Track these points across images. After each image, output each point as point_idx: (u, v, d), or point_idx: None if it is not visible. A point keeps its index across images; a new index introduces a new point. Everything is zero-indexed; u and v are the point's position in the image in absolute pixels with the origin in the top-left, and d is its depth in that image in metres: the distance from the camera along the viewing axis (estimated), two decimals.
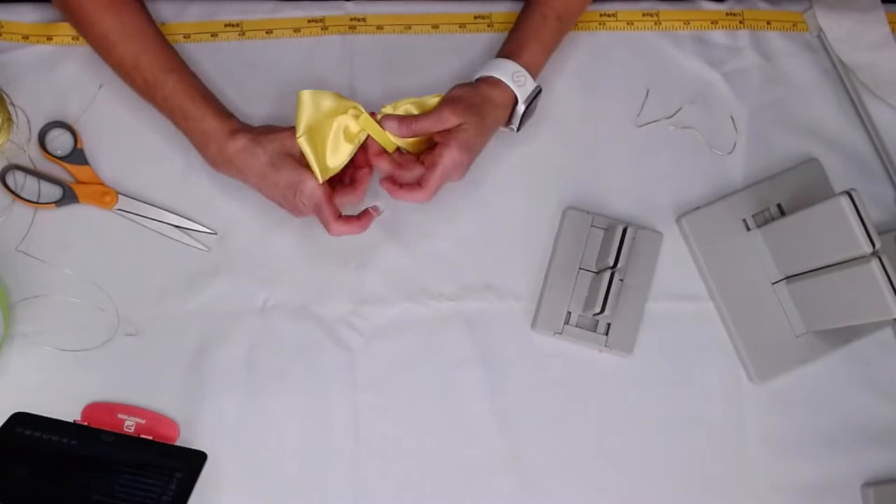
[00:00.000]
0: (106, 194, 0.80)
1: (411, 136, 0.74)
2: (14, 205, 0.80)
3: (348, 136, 0.75)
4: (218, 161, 0.75)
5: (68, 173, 0.80)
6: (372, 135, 0.75)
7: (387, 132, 0.74)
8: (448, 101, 0.74)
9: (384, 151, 0.76)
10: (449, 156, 0.73)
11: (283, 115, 0.83)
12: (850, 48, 0.89)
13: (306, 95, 0.74)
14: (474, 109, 0.74)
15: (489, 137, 0.78)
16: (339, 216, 0.74)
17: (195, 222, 0.81)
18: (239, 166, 0.74)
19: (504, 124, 0.80)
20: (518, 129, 0.80)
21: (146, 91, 0.76)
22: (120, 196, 0.80)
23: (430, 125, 0.73)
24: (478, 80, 0.78)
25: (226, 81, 0.84)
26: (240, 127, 0.75)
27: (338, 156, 0.75)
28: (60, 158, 0.80)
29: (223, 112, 0.76)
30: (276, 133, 0.74)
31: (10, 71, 0.82)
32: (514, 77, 0.76)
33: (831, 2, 0.90)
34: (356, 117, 0.75)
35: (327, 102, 0.74)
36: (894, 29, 0.89)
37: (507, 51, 0.79)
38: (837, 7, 0.90)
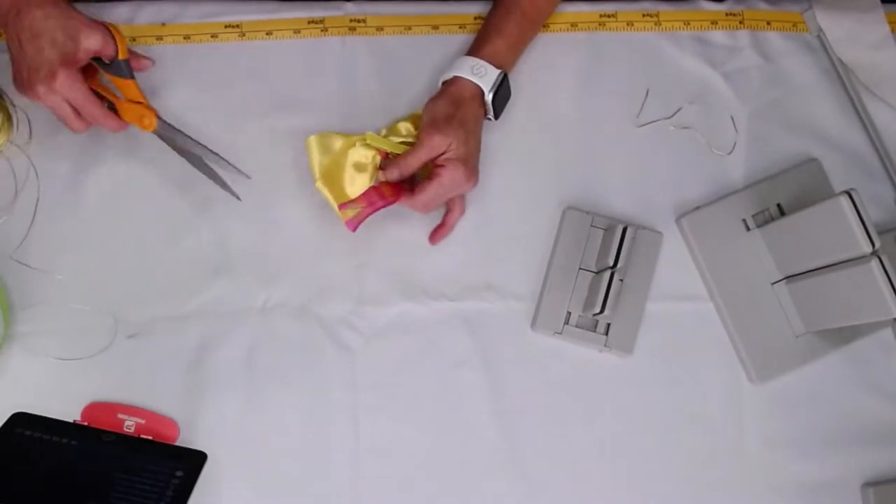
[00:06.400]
0: (145, 116, 0.75)
1: (411, 173, 0.77)
2: (14, 206, 0.79)
3: (361, 168, 0.78)
4: None
5: (111, 85, 0.75)
6: (381, 147, 0.78)
7: (392, 145, 0.78)
8: (430, 125, 0.75)
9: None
10: (447, 175, 0.75)
11: (283, 117, 0.83)
12: (850, 48, 0.89)
13: (313, 140, 0.78)
14: (455, 122, 0.75)
15: (479, 133, 0.79)
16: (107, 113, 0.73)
17: (230, 163, 0.78)
18: (26, 9, 0.69)
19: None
20: (496, 118, 0.81)
21: None
22: (160, 120, 0.76)
23: (423, 156, 0.75)
24: (444, 84, 0.79)
25: (226, 83, 0.84)
26: None
27: (356, 187, 0.78)
28: (103, 66, 0.74)
29: None
30: (75, 13, 0.71)
31: (10, 71, 0.82)
32: (473, 70, 0.78)
33: (831, 2, 0.90)
34: (365, 145, 0.78)
35: (335, 143, 0.78)
36: (894, 29, 0.89)
37: (469, 48, 0.81)
38: (837, 7, 0.90)
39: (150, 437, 0.75)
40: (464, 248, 0.83)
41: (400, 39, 0.87)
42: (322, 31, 0.86)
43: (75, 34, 0.70)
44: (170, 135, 0.77)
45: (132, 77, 0.75)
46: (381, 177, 0.78)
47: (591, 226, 0.83)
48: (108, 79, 0.75)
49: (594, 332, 0.81)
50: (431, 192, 0.75)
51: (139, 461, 0.73)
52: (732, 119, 0.88)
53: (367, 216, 0.77)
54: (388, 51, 0.87)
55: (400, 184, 0.78)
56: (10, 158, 0.80)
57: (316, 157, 0.78)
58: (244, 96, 0.83)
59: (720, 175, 0.87)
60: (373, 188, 0.78)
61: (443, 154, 0.75)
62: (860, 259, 0.73)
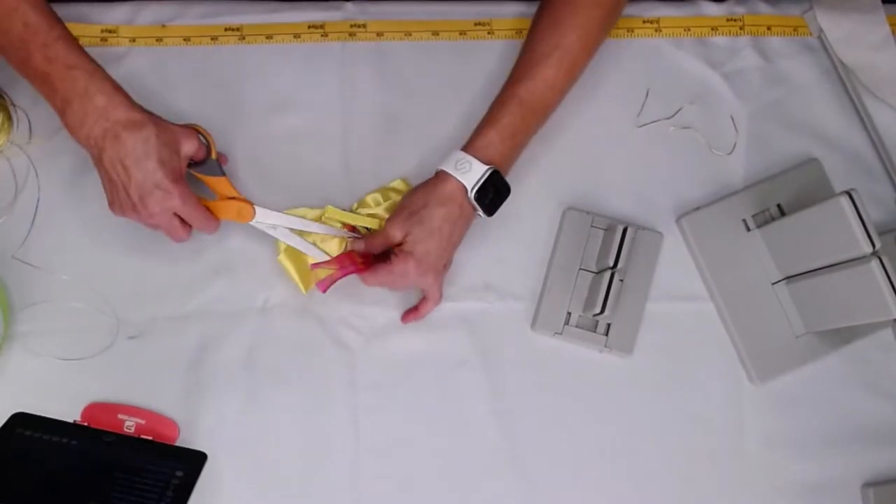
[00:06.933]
0: (242, 209, 0.75)
1: (374, 253, 0.77)
2: (14, 206, 0.80)
3: (327, 240, 0.79)
4: (96, 118, 0.67)
5: (204, 185, 0.76)
6: (340, 219, 0.79)
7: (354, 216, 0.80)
8: (394, 214, 0.75)
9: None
10: (396, 265, 0.74)
11: (283, 121, 0.84)
12: (851, 49, 0.89)
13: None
14: (415, 218, 0.74)
15: (451, 231, 0.75)
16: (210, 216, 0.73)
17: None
18: (125, 132, 0.67)
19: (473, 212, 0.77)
20: (489, 215, 0.77)
21: (23, 38, 0.67)
22: (257, 207, 0.76)
23: (380, 241, 0.76)
24: (436, 173, 0.77)
25: (225, 86, 0.84)
26: (129, 98, 0.69)
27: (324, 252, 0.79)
28: (193, 166, 0.74)
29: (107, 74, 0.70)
30: (169, 125, 0.70)
31: (10, 71, 0.82)
32: (456, 166, 0.74)
33: (832, 3, 0.90)
34: (328, 218, 0.79)
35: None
36: (895, 30, 0.90)
37: (467, 140, 0.77)
38: (838, 8, 0.90)
39: (151, 438, 0.75)
40: (464, 249, 0.83)
41: (400, 45, 0.87)
42: (322, 35, 0.86)
43: (175, 146, 0.70)
44: (265, 219, 0.77)
45: (224, 173, 0.75)
46: (350, 245, 0.78)
47: (591, 226, 0.83)
48: (198, 178, 0.75)
49: (594, 332, 0.81)
50: (380, 276, 0.75)
51: (139, 461, 0.73)
52: (732, 119, 0.88)
53: (337, 279, 0.77)
54: (387, 56, 0.87)
55: (372, 255, 0.78)
56: (10, 158, 0.80)
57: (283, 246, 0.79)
58: (244, 100, 0.83)
59: (720, 175, 0.87)
60: (347, 254, 0.78)
61: (399, 244, 0.74)
62: (860, 259, 0.73)
